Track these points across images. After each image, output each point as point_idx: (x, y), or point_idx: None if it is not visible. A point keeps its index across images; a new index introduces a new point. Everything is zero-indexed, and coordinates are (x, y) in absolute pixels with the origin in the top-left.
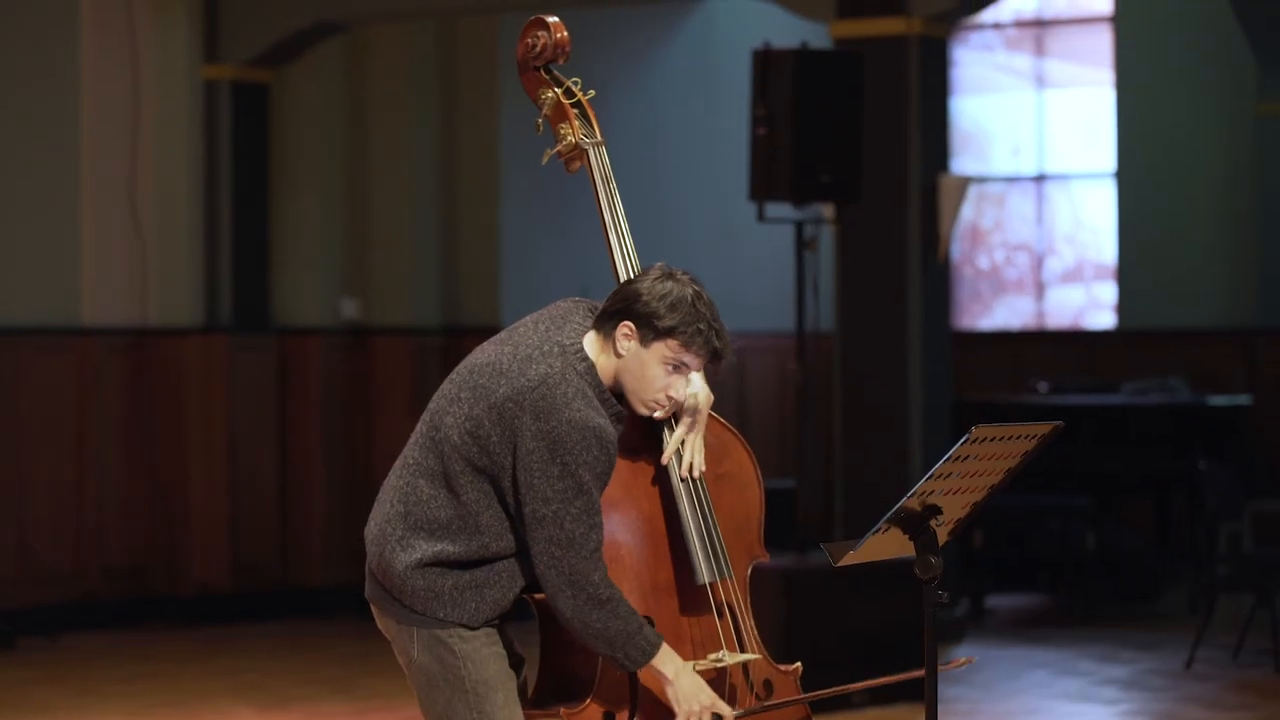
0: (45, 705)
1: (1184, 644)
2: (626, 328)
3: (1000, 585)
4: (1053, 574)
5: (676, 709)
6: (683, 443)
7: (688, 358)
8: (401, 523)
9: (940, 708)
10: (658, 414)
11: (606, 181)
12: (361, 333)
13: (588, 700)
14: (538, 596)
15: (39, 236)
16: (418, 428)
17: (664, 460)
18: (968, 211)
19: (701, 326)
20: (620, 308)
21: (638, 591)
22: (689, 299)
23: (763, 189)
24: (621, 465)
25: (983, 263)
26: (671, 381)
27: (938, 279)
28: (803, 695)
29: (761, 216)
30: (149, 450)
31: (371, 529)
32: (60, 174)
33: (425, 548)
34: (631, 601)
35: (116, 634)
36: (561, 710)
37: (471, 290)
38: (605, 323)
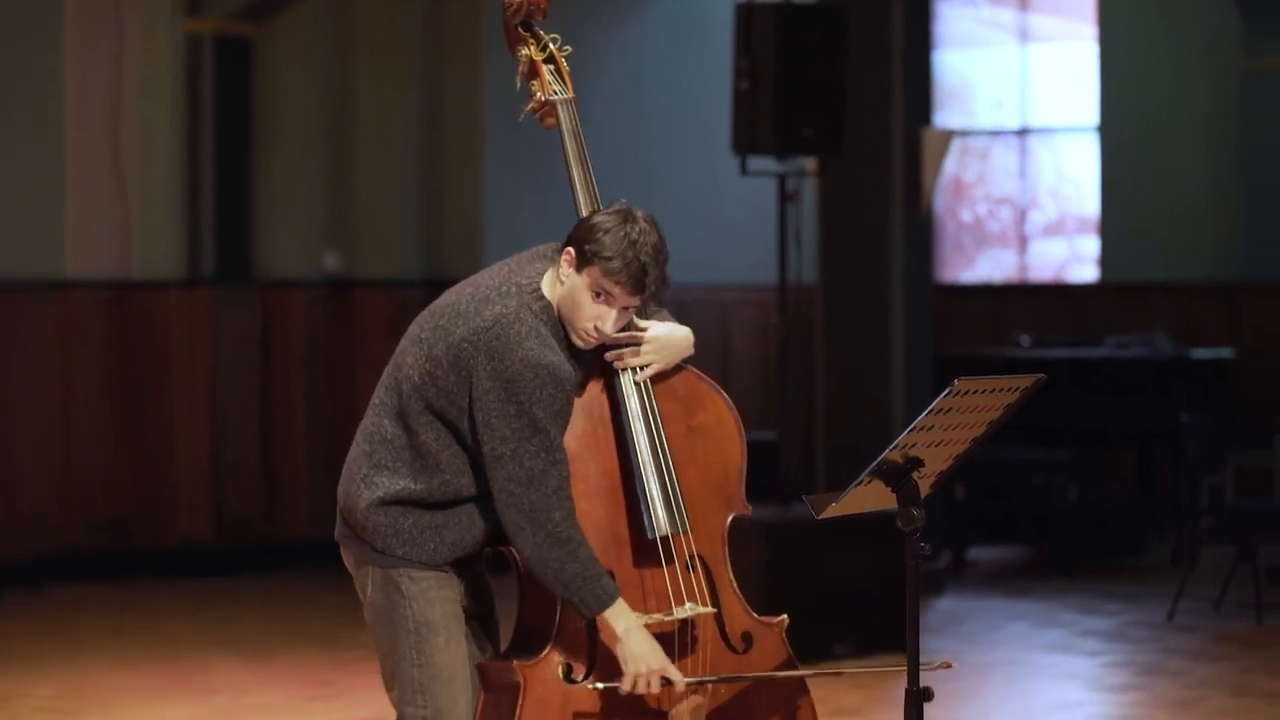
0: (32, 657)
1: (1166, 596)
2: (568, 254)
3: (982, 538)
4: (1035, 527)
5: (624, 669)
6: (638, 383)
7: (610, 286)
8: (366, 461)
9: (921, 659)
10: (585, 344)
11: (576, 137)
12: (344, 285)
13: (544, 652)
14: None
15: (22, 190)
16: (386, 369)
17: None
18: (950, 165)
19: (627, 255)
20: (568, 236)
21: (597, 545)
22: (625, 231)
23: (746, 142)
24: (580, 419)
25: (965, 216)
26: (600, 312)
27: (920, 232)
28: (746, 675)
29: (744, 170)
30: (132, 403)
31: (343, 470)
32: (43, 127)
33: (387, 485)
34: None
35: (101, 586)
36: (514, 663)
37: (454, 243)
38: (557, 254)
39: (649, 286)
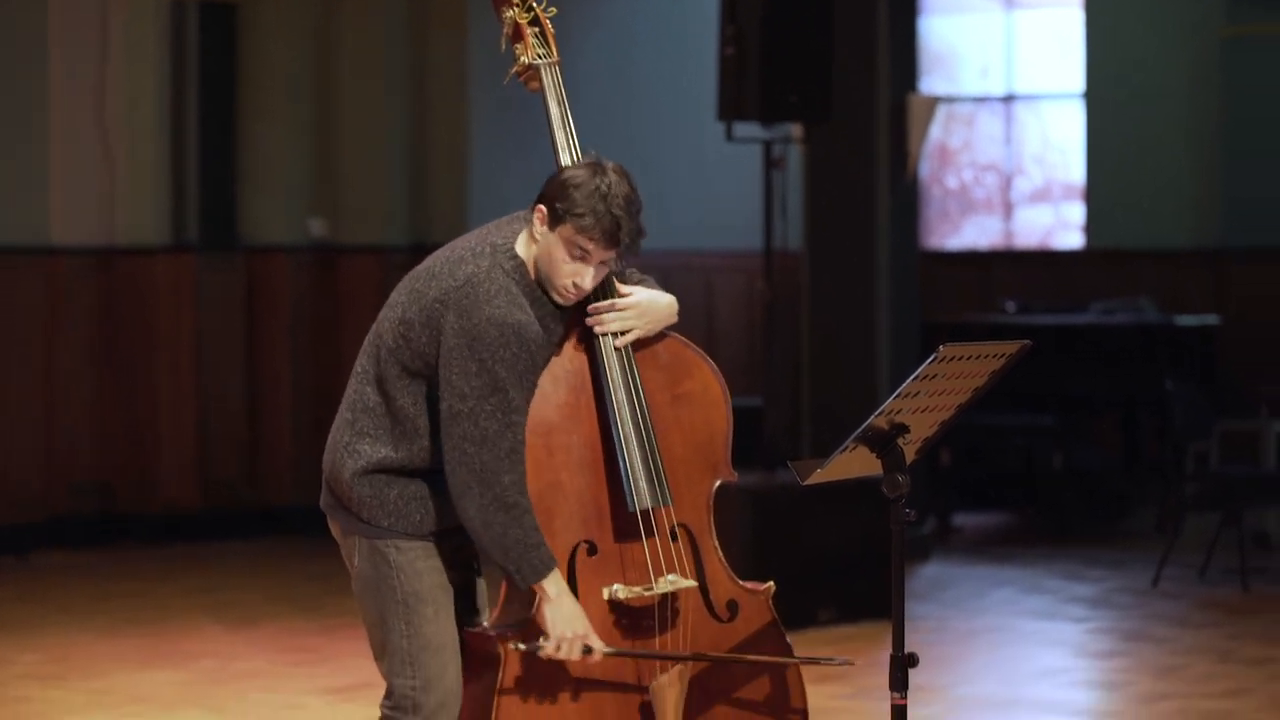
0: (17, 623)
1: (1151, 562)
2: (540, 212)
3: (967, 504)
4: (1020, 493)
5: (549, 631)
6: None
7: (585, 242)
8: (349, 430)
9: (906, 625)
10: (565, 301)
11: (560, 102)
12: (329, 251)
13: (526, 625)
14: None
15: (7, 156)
16: (368, 337)
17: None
18: (936, 131)
19: (599, 210)
20: (539, 193)
21: (578, 516)
22: (597, 185)
23: (731, 108)
24: (561, 389)
25: (951, 182)
26: (578, 269)
27: (906, 198)
28: (686, 654)
29: (730, 136)
30: (117, 369)
31: (328, 440)
32: (28, 94)
33: (369, 453)
34: (574, 527)
35: (87, 553)
36: (497, 635)
37: (440, 209)
38: (530, 211)
39: (624, 240)
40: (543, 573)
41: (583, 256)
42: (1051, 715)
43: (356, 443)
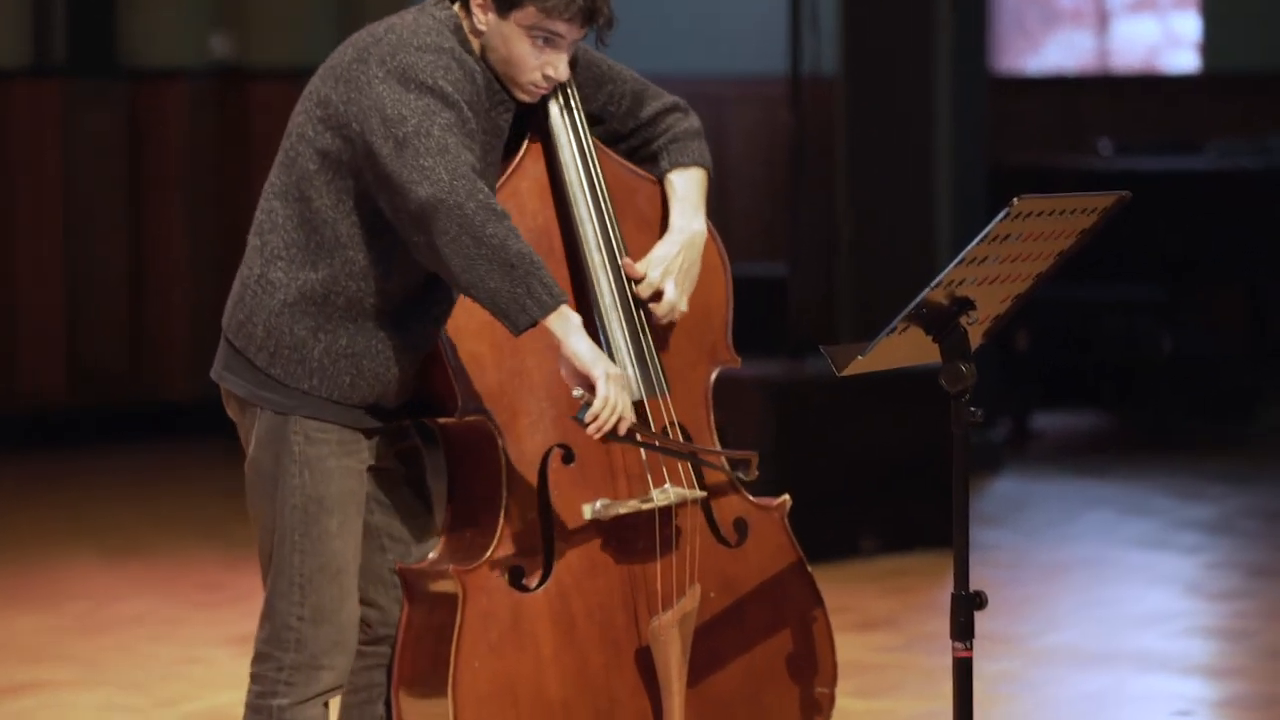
0: None
1: None
2: None
3: (1051, 401)
4: (1118, 386)
5: (578, 375)
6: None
7: (554, 24)
8: (258, 256)
9: (973, 558)
10: (534, 98)
11: None
12: (236, 75)
13: (487, 553)
14: (443, 420)
15: None
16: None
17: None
18: None
19: None
20: None
21: (551, 414)
22: None
23: None
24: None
25: None
26: (547, 58)
27: (972, 7)
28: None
29: None
30: None
31: (233, 286)
32: None
33: (285, 282)
34: (545, 428)
35: None
36: (451, 567)
37: (376, 17)
38: (442, 4)
39: (601, 10)
40: (559, 298)
41: (552, 43)
42: (1157, 672)
43: (269, 269)
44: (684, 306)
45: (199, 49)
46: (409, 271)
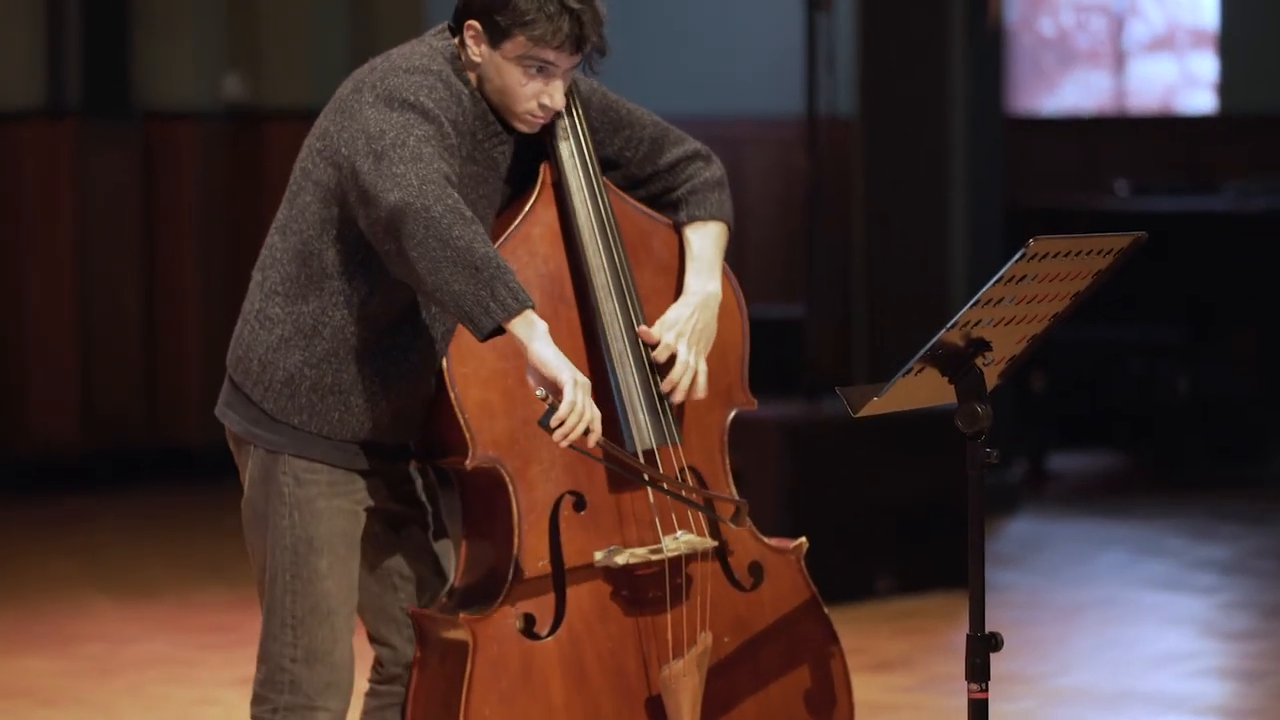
0: None
1: None
2: (472, 29)
3: (1067, 442)
4: (1134, 427)
5: (544, 379)
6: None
7: (544, 53)
8: (259, 292)
9: (989, 598)
10: (533, 128)
11: None
12: (250, 117)
13: (498, 601)
14: (455, 467)
15: None
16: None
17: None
18: None
19: (550, 10)
20: (463, 5)
21: (562, 461)
22: None
23: None
24: (537, 297)
25: (1047, 28)
26: (541, 87)
27: (988, 48)
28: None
29: None
30: None
31: (237, 323)
32: None
33: (281, 316)
34: (557, 475)
35: None
36: (461, 615)
37: None
38: (458, 30)
39: (589, 38)
40: (524, 301)
41: (545, 71)
42: (1173, 712)
43: (267, 306)
44: (702, 368)
45: (212, 90)
46: (390, 295)
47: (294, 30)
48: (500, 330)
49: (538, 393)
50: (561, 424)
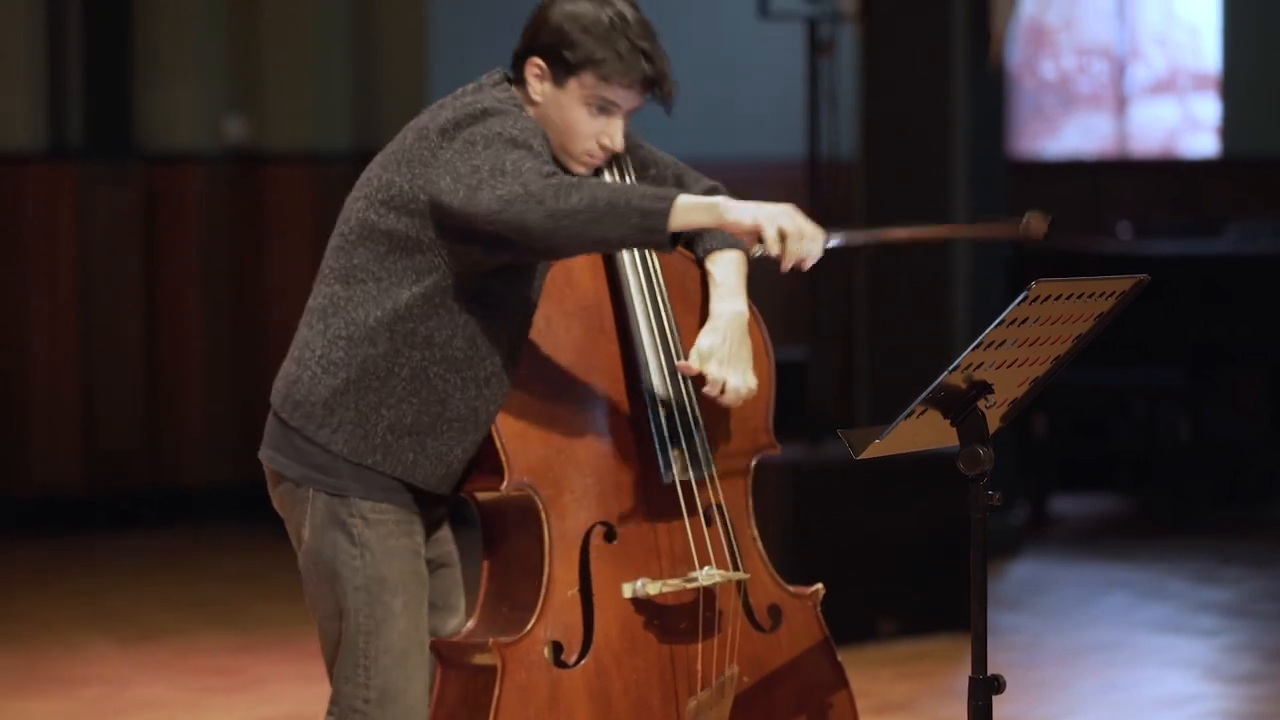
0: None
1: None
2: (536, 66)
3: (1069, 485)
4: (1136, 470)
5: (743, 234)
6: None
7: (612, 93)
8: (320, 339)
9: (991, 641)
10: (590, 167)
11: None
12: (252, 159)
13: (528, 627)
14: (485, 495)
15: None
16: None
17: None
18: (1029, 6)
19: (621, 50)
20: (526, 43)
21: (595, 491)
22: (605, 20)
23: None
24: (575, 325)
25: (1049, 71)
26: (602, 126)
27: (990, 92)
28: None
29: (764, 11)
30: None
31: (284, 365)
32: None
33: (345, 360)
34: (588, 504)
35: None
36: (492, 641)
37: (392, 103)
38: (517, 66)
39: (660, 78)
40: (670, 197)
41: (607, 109)
42: None
43: (331, 351)
44: (752, 382)
45: (215, 133)
46: (474, 339)
47: (296, 73)
48: (679, 236)
49: (753, 251)
50: (783, 255)
